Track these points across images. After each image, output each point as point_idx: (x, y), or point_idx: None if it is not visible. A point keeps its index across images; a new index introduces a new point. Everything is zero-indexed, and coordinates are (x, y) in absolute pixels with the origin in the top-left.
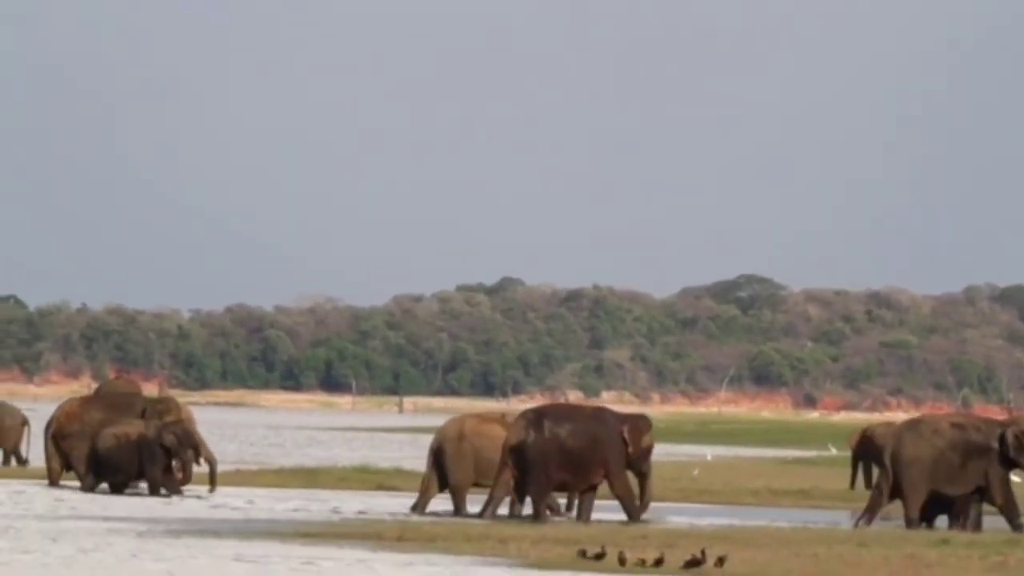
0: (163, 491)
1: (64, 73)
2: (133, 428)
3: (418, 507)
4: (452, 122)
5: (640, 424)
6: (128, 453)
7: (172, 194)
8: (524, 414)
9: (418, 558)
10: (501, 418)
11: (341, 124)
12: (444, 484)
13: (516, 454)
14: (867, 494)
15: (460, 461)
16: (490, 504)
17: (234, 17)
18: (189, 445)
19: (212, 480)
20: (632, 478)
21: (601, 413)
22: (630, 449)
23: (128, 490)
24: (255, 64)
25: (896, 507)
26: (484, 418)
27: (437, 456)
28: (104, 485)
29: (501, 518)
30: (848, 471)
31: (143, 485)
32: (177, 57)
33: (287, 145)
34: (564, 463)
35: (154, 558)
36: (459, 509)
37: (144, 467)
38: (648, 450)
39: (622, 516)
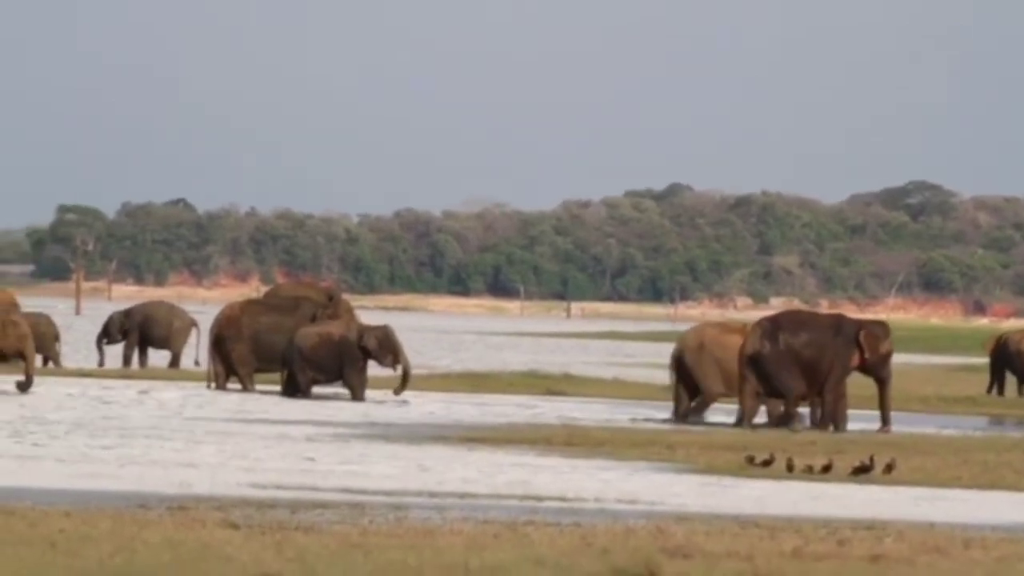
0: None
1: None
2: (335, 328)
3: (682, 416)
4: (626, 31)
5: (877, 330)
6: (329, 353)
7: (341, 99)
8: (760, 323)
9: (586, 463)
10: (742, 328)
11: (512, 31)
12: (693, 393)
13: (752, 364)
14: (1006, 400)
15: (702, 370)
16: (744, 416)
17: None
18: (389, 350)
19: (403, 385)
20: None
21: (837, 320)
22: (867, 355)
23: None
24: None
25: None
26: (725, 327)
27: (678, 365)
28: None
29: (757, 427)
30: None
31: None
32: None
33: (455, 50)
34: (799, 372)
35: (318, 459)
36: (686, 415)
37: (343, 368)
38: (887, 356)
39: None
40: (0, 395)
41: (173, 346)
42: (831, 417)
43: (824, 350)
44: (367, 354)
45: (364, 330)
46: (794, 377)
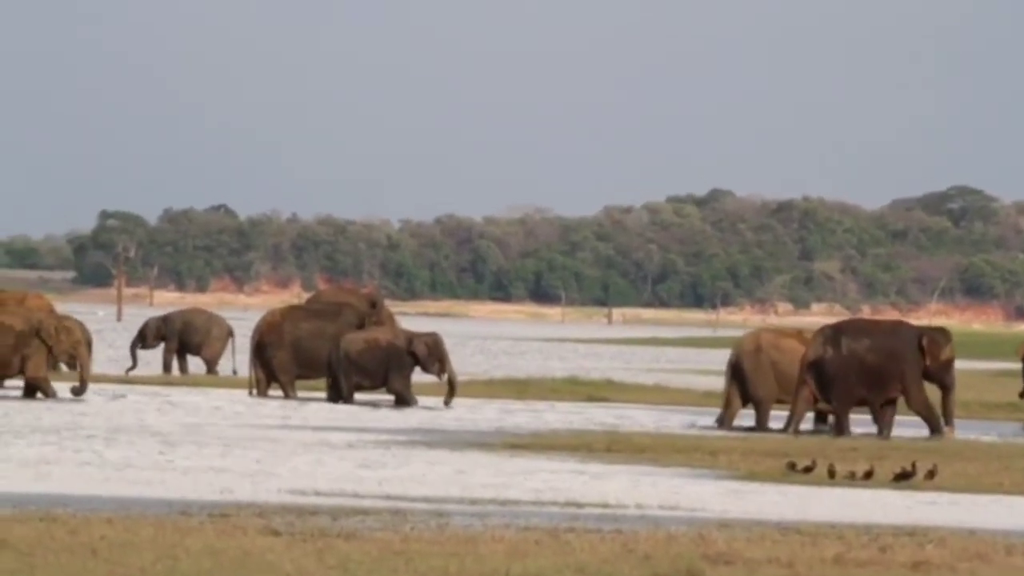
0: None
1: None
2: (383, 334)
3: (724, 422)
4: (670, 36)
5: (939, 337)
6: (377, 358)
7: (382, 105)
8: (822, 330)
9: (627, 469)
10: (798, 333)
11: (555, 35)
12: (746, 399)
13: (815, 370)
14: None
15: (759, 375)
16: (793, 420)
17: None
18: (437, 357)
19: (450, 395)
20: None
21: (899, 327)
22: (928, 362)
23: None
24: None
25: None
26: (781, 332)
27: (735, 370)
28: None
29: (804, 433)
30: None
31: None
32: None
33: (497, 55)
34: (862, 378)
35: (360, 466)
36: (761, 423)
37: (389, 374)
38: (948, 363)
39: (922, 431)
40: (41, 401)
41: (210, 353)
42: (929, 423)
43: (887, 356)
44: (415, 361)
45: (413, 337)
46: (856, 383)
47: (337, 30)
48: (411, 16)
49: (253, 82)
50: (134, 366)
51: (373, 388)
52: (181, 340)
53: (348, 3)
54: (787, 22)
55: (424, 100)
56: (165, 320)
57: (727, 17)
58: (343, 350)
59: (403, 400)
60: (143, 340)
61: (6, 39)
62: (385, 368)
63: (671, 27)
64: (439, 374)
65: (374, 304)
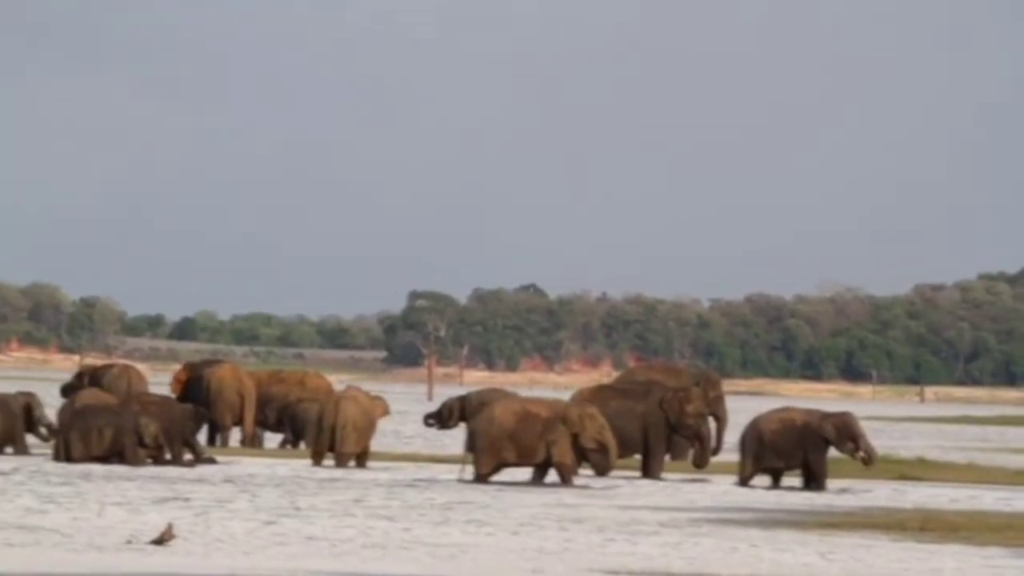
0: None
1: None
2: (797, 414)
3: None
4: (985, 113)
5: None
6: (792, 439)
7: (692, 184)
8: None
9: (940, 548)
10: None
11: (879, 115)
12: None
13: None
14: None
15: None
16: None
17: None
18: (848, 437)
19: (872, 460)
20: None
21: None
22: None
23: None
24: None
25: None
26: None
27: None
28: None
29: None
30: None
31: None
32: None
33: (803, 140)
34: None
35: (671, 545)
36: None
37: (807, 455)
38: None
39: None
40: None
41: None
42: None
43: None
44: (826, 441)
45: (823, 417)
46: None
47: (646, 108)
48: (728, 104)
49: (562, 163)
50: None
51: (788, 469)
52: None
53: (663, 86)
54: None
55: (732, 179)
56: (462, 400)
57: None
58: (757, 429)
59: (818, 484)
60: (439, 419)
61: (300, 120)
62: (801, 449)
63: (987, 102)
64: (853, 454)
65: (698, 383)
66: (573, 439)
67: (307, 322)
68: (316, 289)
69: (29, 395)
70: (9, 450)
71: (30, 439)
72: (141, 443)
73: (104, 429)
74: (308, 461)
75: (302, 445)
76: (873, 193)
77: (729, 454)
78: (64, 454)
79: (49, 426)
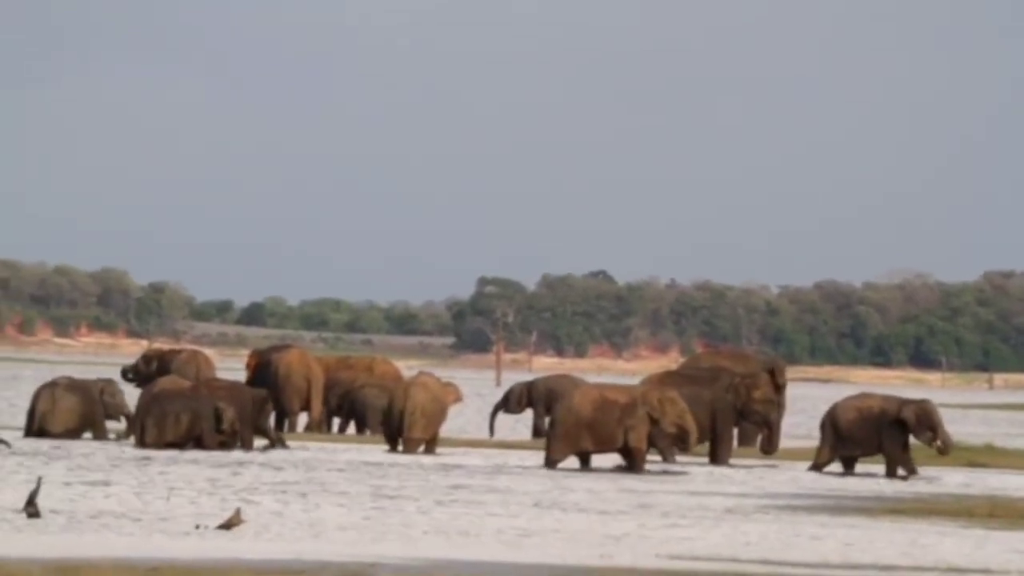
0: (899, 471)
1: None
2: (875, 401)
3: None
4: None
5: None
6: (869, 427)
7: (762, 172)
8: None
9: (1008, 536)
10: None
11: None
12: None
13: None
14: None
15: None
16: None
17: None
18: (928, 425)
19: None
20: None
21: None
22: None
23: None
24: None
25: None
26: None
27: None
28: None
29: None
30: None
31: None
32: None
33: (871, 128)
34: None
35: (738, 530)
36: None
37: (883, 442)
38: None
39: None
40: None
41: None
42: None
43: None
44: (904, 428)
45: (903, 403)
46: None
47: (720, 94)
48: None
49: (630, 149)
50: (491, 432)
51: (865, 455)
52: (547, 406)
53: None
54: None
55: (803, 165)
56: (530, 386)
57: None
58: (834, 417)
59: (895, 471)
60: (506, 405)
61: (374, 110)
62: (878, 436)
63: None
64: (930, 442)
65: (772, 371)
66: (653, 424)
67: (376, 308)
68: (385, 275)
69: (108, 381)
70: (88, 435)
71: (111, 424)
72: (218, 428)
73: (181, 415)
74: (375, 447)
75: (367, 432)
76: (945, 180)
77: (793, 440)
78: (139, 439)
79: (126, 412)
